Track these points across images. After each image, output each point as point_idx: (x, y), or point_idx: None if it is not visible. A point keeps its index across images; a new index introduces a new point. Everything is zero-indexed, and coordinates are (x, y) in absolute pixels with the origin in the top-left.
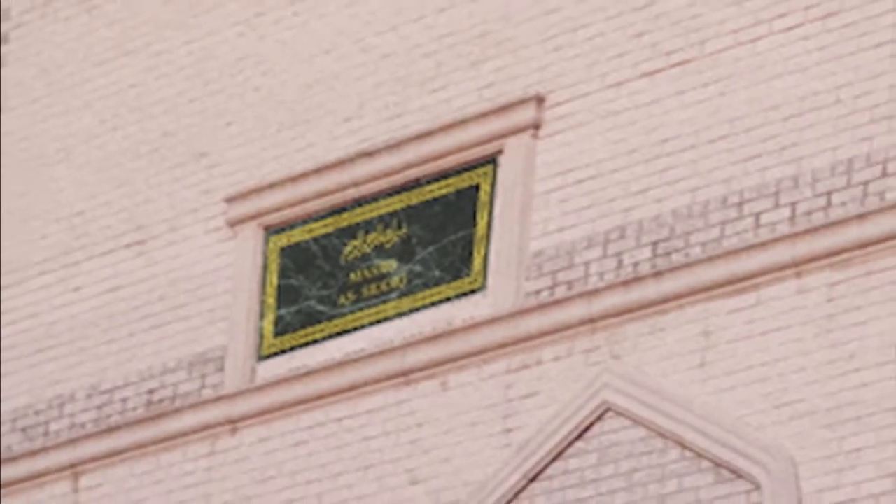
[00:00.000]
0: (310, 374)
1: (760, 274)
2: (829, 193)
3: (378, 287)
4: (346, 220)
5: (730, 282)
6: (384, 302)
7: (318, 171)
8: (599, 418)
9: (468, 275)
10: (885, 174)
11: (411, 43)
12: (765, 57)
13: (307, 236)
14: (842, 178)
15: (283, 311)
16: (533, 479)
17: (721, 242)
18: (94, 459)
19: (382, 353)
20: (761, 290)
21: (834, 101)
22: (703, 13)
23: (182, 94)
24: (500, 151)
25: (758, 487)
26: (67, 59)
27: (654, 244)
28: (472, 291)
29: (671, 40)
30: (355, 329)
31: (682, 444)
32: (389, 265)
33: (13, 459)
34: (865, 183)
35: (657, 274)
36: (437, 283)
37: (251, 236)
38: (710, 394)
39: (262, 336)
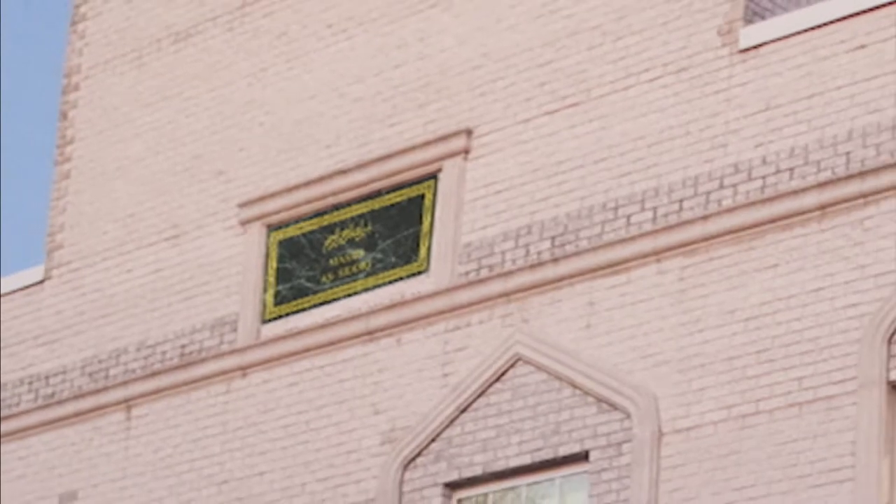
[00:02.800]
0: (300, 333)
1: (630, 260)
2: (681, 201)
3: (350, 269)
4: (326, 220)
5: (608, 266)
6: (354, 280)
7: (306, 184)
8: (512, 366)
9: (416, 260)
10: (721, 187)
11: (374, 90)
12: (634, 100)
13: (298, 232)
14: (690, 190)
15: (280, 287)
16: (463, 411)
17: (601, 237)
18: (141, 396)
19: (353, 318)
20: (631, 272)
21: (684, 133)
22: (588, 69)
23: (206, 127)
24: (439, 170)
25: (629, 416)
26: (122, 102)
27: (553, 238)
28: (419, 273)
29: (566, 88)
30: (333, 300)
31: (573, 385)
32: (358, 253)
33: (83, 396)
34: (708, 193)
35: (555, 260)
36: (393, 267)
37: (257, 232)
38: (594, 348)
39: (265, 305)
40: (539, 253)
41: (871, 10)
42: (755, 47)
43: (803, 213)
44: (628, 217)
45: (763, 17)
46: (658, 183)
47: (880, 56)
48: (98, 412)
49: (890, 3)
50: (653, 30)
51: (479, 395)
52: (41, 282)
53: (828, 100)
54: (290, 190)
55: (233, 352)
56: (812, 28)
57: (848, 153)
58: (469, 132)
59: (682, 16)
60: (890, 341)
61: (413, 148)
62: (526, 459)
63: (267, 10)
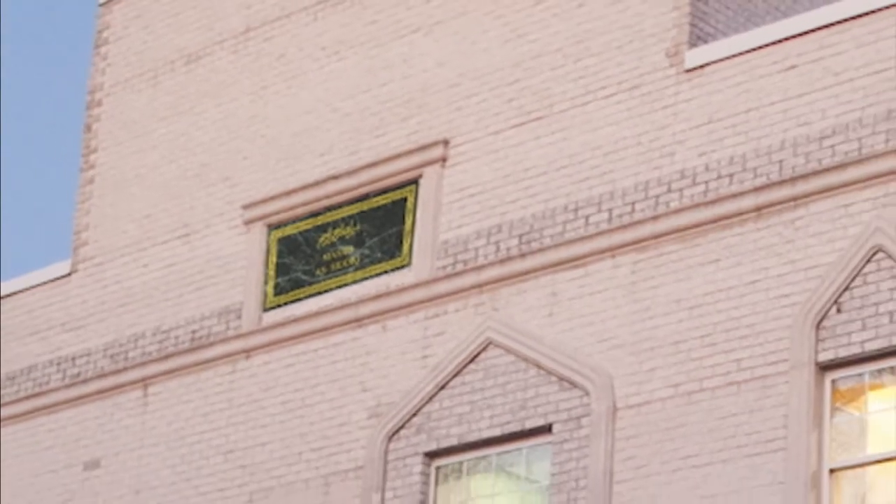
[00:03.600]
0: (297, 320)
1: (588, 255)
2: (633, 203)
3: (341, 264)
4: (320, 220)
5: (569, 260)
6: (345, 273)
7: (302, 188)
8: (484, 349)
9: (399, 256)
10: (669, 191)
11: (362, 106)
12: (592, 114)
13: (295, 231)
14: (641, 193)
15: (279, 280)
16: (441, 389)
17: (563, 235)
18: (156, 376)
19: (343, 306)
20: (589, 266)
21: (636, 143)
22: (551, 87)
23: (213, 139)
24: (420, 176)
25: (587, 393)
26: (140, 116)
27: (520, 236)
28: (402, 266)
29: (531, 104)
30: (326, 291)
31: (538, 366)
32: (348, 249)
33: (105, 375)
34: (657, 196)
35: (522, 255)
36: (379, 261)
37: (258, 231)
38: (556, 333)
39: (265, 295)
40: (508, 249)
41: (800, 34)
42: (699, 67)
43: (741, 214)
44: (587, 217)
45: (706, 41)
46: (613, 187)
47: (809, 75)
48: (118, 390)
49: (816, 30)
50: (608, 52)
51: (455, 375)
52: (68, 275)
53: (763, 114)
54: (288, 193)
55: (237, 336)
56: (749, 50)
57: (781, 161)
58: (446, 142)
59: (633, 40)
60: (818, 327)
61: (397, 156)
62: (496, 431)
63: (267, 35)
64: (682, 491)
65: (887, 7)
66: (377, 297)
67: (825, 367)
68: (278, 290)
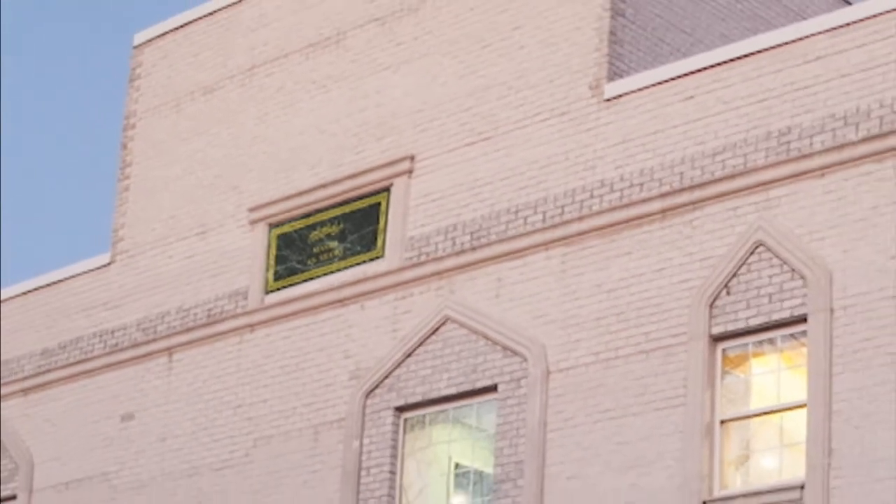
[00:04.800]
0: (292, 301)
1: (526, 249)
2: (562, 206)
3: (328, 255)
4: (311, 220)
5: (511, 253)
6: (330, 263)
7: (297, 194)
8: (443, 324)
9: (375, 249)
10: (591, 196)
11: (345, 128)
12: (530, 135)
13: (291, 229)
14: (569, 199)
15: (278, 268)
16: (408, 356)
17: (506, 232)
18: (179, 346)
19: (330, 290)
20: (526, 257)
21: (565, 158)
22: (497, 112)
23: (225, 155)
24: (391, 185)
25: (525, 360)
26: (165, 137)
27: (471, 233)
28: (377, 258)
29: (481, 126)
30: (315, 277)
31: (486, 337)
32: (334, 244)
33: (137, 345)
34: (582, 201)
35: (473, 249)
36: (358, 254)
37: (261, 229)
38: (501, 312)
39: (267, 281)
40: (462, 244)
41: (697, 71)
42: (616, 98)
43: (649, 215)
44: (525, 218)
45: (621, 76)
46: (546, 194)
47: (704, 104)
48: (148, 357)
49: (710, 67)
50: (543, 85)
51: (419, 345)
52: (108, 264)
53: (667, 135)
54: (285, 199)
55: (244, 314)
56: (656, 84)
57: (681, 173)
58: (412, 158)
59: (563, 75)
60: (711, 306)
61: (373, 169)
62: (453, 390)
63: (269, 72)
64: (602, 438)
65: (767, 49)
66: (356, 282)
67: (717, 339)
68: (277, 277)
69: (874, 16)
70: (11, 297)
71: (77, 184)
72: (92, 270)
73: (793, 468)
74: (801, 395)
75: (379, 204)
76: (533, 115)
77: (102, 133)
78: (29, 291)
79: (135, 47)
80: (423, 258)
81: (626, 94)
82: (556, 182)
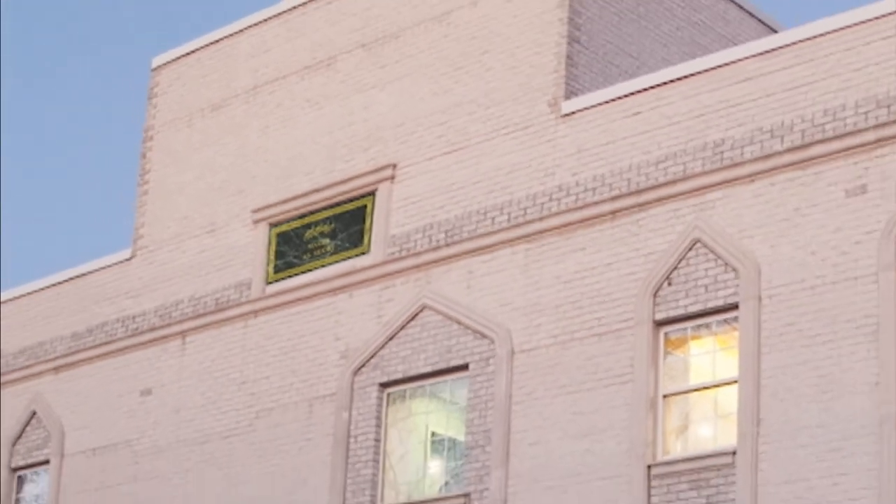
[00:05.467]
0: (289, 291)
1: (494, 245)
2: (525, 208)
3: (321, 251)
4: (306, 220)
5: (480, 248)
6: (323, 258)
7: (294, 198)
8: (421, 311)
9: (361, 246)
10: (551, 200)
11: (336, 139)
12: (497, 146)
13: (288, 228)
14: (531, 202)
15: (277, 262)
16: (391, 338)
17: (476, 231)
18: (191, 329)
19: (322, 281)
20: (494, 252)
21: (528, 166)
22: (468, 126)
23: (231, 163)
24: (376, 189)
25: (493, 342)
26: (180, 147)
27: (446, 231)
28: (363, 253)
29: (455, 138)
30: (310, 270)
31: (459, 322)
32: (326, 241)
33: (155, 329)
34: (542, 204)
35: (447, 245)
36: (347, 249)
37: (263, 228)
38: (472, 300)
39: (268, 273)
40: (437, 241)
41: (643, 90)
42: (572, 113)
43: (601, 216)
44: (493, 219)
45: (577, 95)
46: (512, 197)
47: (649, 119)
48: (164, 339)
49: (654, 87)
50: (508, 102)
51: (401, 329)
52: (129, 259)
53: (617, 146)
54: (284, 202)
55: (248, 302)
56: (607, 101)
57: (629, 179)
58: (395, 166)
59: (526, 94)
60: (654, 296)
61: (360, 175)
62: (429, 368)
63: (270, 91)
64: (559, 410)
65: (704, 71)
66: (346, 274)
67: (660, 324)
68: (276, 270)
69: (796, 42)
70: (45, 288)
71: (103, 189)
72: (115, 264)
73: (726, 436)
74: (733, 372)
75: (365, 206)
76: (499, 128)
77: (125, 145)
78: (60, 282)
79: (152, 70)
80: (403, 253)
81: (581, 110)
82: (519, 187)
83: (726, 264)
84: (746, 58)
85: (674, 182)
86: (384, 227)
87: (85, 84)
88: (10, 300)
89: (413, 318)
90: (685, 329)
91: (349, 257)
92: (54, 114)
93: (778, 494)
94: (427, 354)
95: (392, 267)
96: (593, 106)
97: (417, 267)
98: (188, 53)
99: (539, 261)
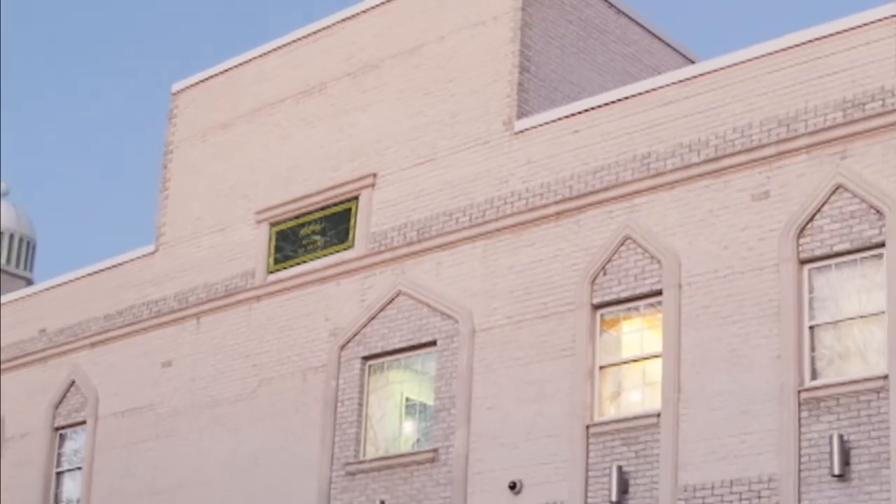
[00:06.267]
0: (287, 279)
1: (457, 241)
2: (484, 210)
3: (313, 246)
4: (301, 220)
5: (446, 244)
6: (315, 252)
7: (291, 201)
8: (397, 296)
9: (347, 241)
10: (505, 203)
11: (325, 153)
12: (461, 159)
13: (286, 227)
14: (489, 205)
15: (277, 255)
16: (372, 319)
17: (443, 229)
18: (205, 311)
19: (314, 272)
20: (457, 247)
21: (486, 175)
22: (436, 141)
23: (238, 173)
24: (359, 194)
25: (457, 322)
26: (194, 160)
27: (417, 230)
28: (348, 248)
29: (425, 151)
30: (304, 262)
31: (429, 306)
32: (317, 238)
33: (174, 311)
34: (499, 206)
35: (419, 241)
36: (335, 245)
37: (265, 228)
38: (440, 287)
39: (268, 264)
40: (411, 237)
41: (582, 112)
42: (523, 131)
43: (548, 216)
44: (457, 219)
45: (527, 115)
46: (472, 201)
47: (589, 136)
48: (182, 320)
49: (593, 109)
50: (470, 121)
51: (380, 311)
52: (153, 253)
53: (561, 158)
54: (282, 205)
55: (252, 288)
56: (552, 121)
57: (570, 186)
58: (375, 175)
59: (485, 114)
60: (592, 283)
61: (346, 183)
62: (404, 344)
63: (270, 112)
64: (513, 380)
65: (633, 96)
66: (334, 265)
67: (596, 307)
68: (276, 262)
69: (709, 72)
70: (82, 277)
71: (131, 194)
72: (141, 257)
73: (652, 401)
74: (657, 347)
75: (350, 208)
76: (462, 144)
77: (149, 158)
78: (95, 272)
79: (172, 94)
80: (382, 248)
81: (530, 128)
82: (479, 193)
83: (652, 257)
84: (668, 85)
85: (608, 188)
86: (366, 226)
87: (118, 107)
88: (53, 287)
89: (390, 302)
90: (618, 311)
91: (337, 251)
92: (92, 131)
93: (695, 450)
94: (402, 332)
95: (372, 259)
96: (541, 125)
97: (394, 259)
98: (202, 81)
99: (495, 254)
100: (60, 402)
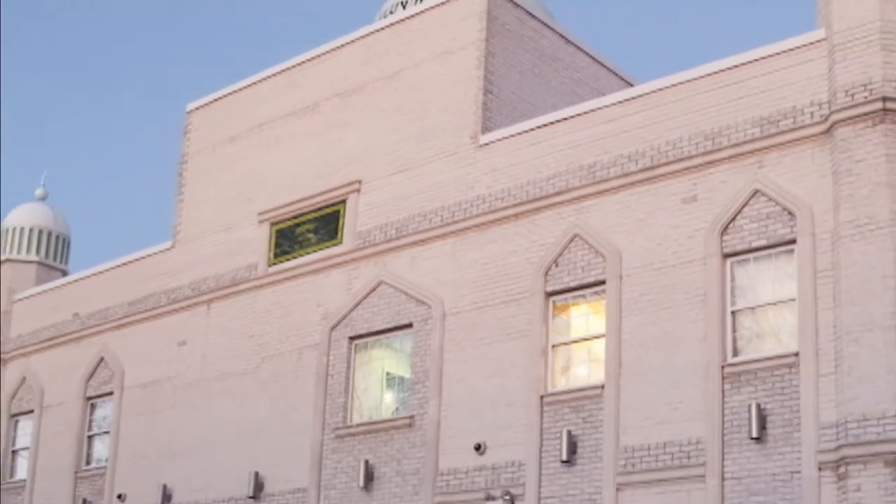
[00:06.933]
0: (285, 271)
1: (430, 238)
2: (453, 212)
3: (307, 242)
4: (297, 220)
5: (421, 241)
6: (309, 247)
7: (288, 205)
8: (379, 285)
9: (336, 238)
10: (471, 206)
11: (318, 164)
12: (431, 168)
13: (284, 226)
14: (458, 207)
15: (276, 250)
16: (357, 304)
17: (418, 228)
18: (215, 298)
19: (308, 264)
20: (430, 244)
21: (453, 182)
22: (409, 154)
23: (243, 181)
24: (347, 198)
25: (430, 307)
26: (205, 169)
27: (396, 229)
28: (338, 244)
29: (400, 164)
30: (299, 257)
31: (406, 293)
32: (311, 235)
33: (188, 298)
34: (465, 209)
35: (397, 238)
36: (326, 241)
37: (266, 227)
38: (415, 277)
39: (269, 258)
40: (391, 235)
41: (537, 128)
42: (487, 144)
43: (507, 218)
44: (430, 219)
45: (490, 131)
46: (443, 204)
47: (542, 147)
48: (194, 306)
49: (546, 125)
50: (441, 136)
51: (364, 298)
52: (170, 248)
53: (519, 167)
54: (280, 207)
55: (255, 279)
56: (512, 136)
57: (527, 191)
58: (360, 182)
59: (453, 129)
60: (546, 274)
61: (335, 188)
62: (384, 326)
63: (270, 128)
64: (478, 357)
65: (581, 114)
66: (325, 259)
67: (549, 294)
68: (275, 256)
69: (646, 94)
70: (110, 269)
71: (152, 198)
72: (160, 252)
73: (596, 375)
74: (601, 329)
75: (339, 210)
76: (435, 155)
77: (167, 167)
78: (121, 265)
79: (187, 112)
80: (366, 244)
81: (493, 141)
82: (449, 197)
83: (597, 252)
84: (611, 105)
85: (559, 193)
86: (353, 225)
87: (140, 123)
88: (85, 278)
89: (373, 290)
90: (567, 298)
91: (327, 247)
92: (118, 144)
93: (634, 417)
94: (383, 316)
95: (358, 254)
96: (502, 139)
97: (376, 254)
98: (212, 101)
99: (463, 249)
100: (91, 375)
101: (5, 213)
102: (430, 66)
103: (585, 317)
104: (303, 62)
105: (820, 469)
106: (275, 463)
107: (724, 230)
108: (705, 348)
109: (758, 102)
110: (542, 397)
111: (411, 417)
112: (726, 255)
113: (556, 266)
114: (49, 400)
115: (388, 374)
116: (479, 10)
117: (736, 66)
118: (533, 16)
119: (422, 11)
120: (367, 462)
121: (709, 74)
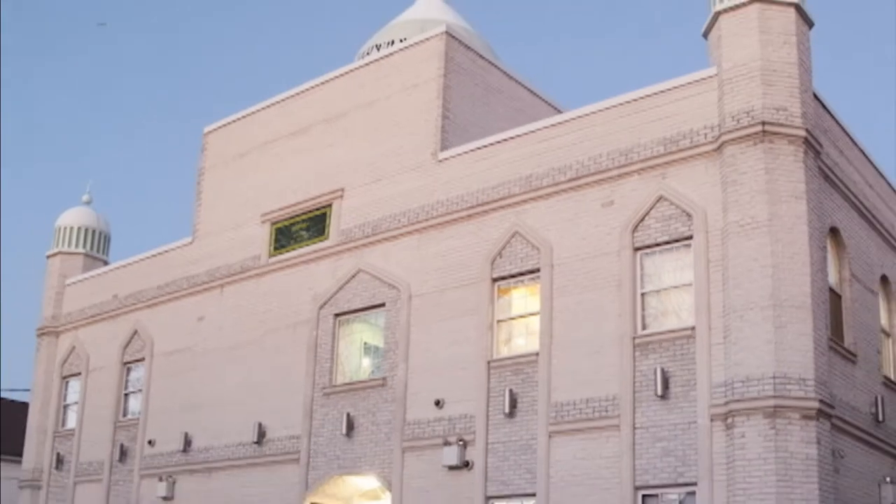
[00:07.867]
0: (283, 261)
1: (399, 235)
2: (418, 214)
3: (301, 238)
4: (292, 220)
5: (392, 237)
6: (303, 242)
7: (287, 207)
8: (358, 273)
9: (324, 235)
10: (433, 209)
11: (309, 176)
12: (400, 178)
13: (282, 225)
14: (422, 211)
15: (276, 244)
16: (340, 289)
17: (389, 227)
18: (226, 284)
19: (301, 255)
20: (399, 240)
21: (419, 191)
22: (382, 166)
23: (250, 188)
24: (332, 203)
25: (399, 290)
26: (219, 181)
27: (372, 228)
28: (325, 240)
29: (377, 175)
30: (294, 250)
31: (380, 280)
32: (304, 233)
33: (205, 283)
34: (428, 212)
35: (374, 234)
36: (316, 237)
37: (267, 226)
38: (387, 266)
39: (270, 251)
40: (367, 233)
41: (485, 146)
42: (445, 159)
43: (462, 218)
44: (399, 220)
45: (447, 149)
46: (409, 208)
47: (488, 163)
48: (210, 290)
49: (493, 144)
50: (407, 154)
51: (346, 283)
52: (191, 242)
53: (471, 178)
54: (279, 210)
55: (259, 268)
56: (465, 153)
57: (477, 197)
58: (343, 189)
59: (417, 148)
60: (492, 263)
61: (323, 195)
62: (363, 305)
63: (270, 147)
64: (440, 330)
65: (522, 135)
66: (315, 251)
67: (495, 280)
68: (275, 249)
69: (572, 119)
70: (142, 259)
71: (176, 203)
72: (182, 245)
73: (532, 345)
74: (537, 308)
75: (326, 212)
76: (401, 168)
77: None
78: (151, 256)
79: (204, 134)
80: (348, 240)
81: (450, 157)
82: (414, 202)
83: (533, 246)
84: (544, 128)
85: (503, 199)
86: (337, 224)
87: (167, 142)
88: (122, 266)
89: (353, 276)
90: (509, 283)
91: (317, 242)
92: (150, 159)
93: (563, 378)
94: (361, 298)
95: (342, 248)
96: (457, 155)
97: (356, 248)
98: (224, 125)
99: (426, 245)
100: (127, 345)
101: (59, 215)
102: (399, 97)
103: (524, 298)
104: (297, 93)
105: (712, 420)
106: (274, 415)
107: (635, 228)
108: (620, 323)
109: (662, 126)
110: (489, 362)
111: (384, 379)
112: (637, 249)
113: (501, 257)
114: (93, 364)
115: (365, 343)
116: (439, 52)
117: (645, 97)
118: (482, 56)
119: (392, 53)
120: (348, 414)
121: (623, 103)
